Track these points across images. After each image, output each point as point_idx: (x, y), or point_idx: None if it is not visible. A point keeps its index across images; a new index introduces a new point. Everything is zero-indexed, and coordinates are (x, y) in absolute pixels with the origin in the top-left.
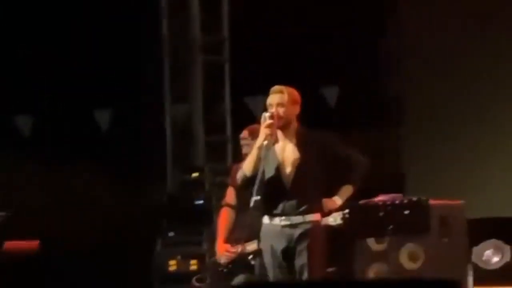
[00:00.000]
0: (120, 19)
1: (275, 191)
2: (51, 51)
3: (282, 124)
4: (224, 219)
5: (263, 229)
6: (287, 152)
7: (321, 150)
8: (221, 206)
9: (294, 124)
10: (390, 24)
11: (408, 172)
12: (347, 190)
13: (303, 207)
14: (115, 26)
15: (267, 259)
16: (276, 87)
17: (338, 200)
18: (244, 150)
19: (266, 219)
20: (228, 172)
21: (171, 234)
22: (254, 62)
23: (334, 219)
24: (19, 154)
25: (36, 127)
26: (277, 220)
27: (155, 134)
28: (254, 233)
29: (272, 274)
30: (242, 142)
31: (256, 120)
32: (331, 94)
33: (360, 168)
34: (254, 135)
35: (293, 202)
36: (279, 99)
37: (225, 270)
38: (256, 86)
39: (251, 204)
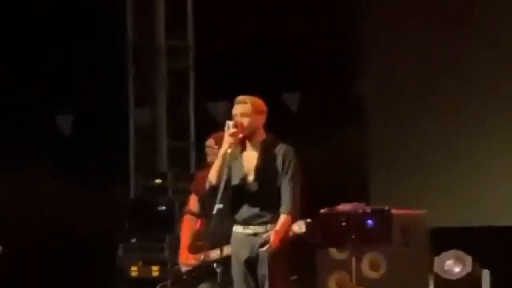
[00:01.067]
0: (85, 24)
1: (239, 200)
2: (13, 55)
3: (246, 134)
4: (187, 227)
5: (232, 237)
6: (251, 161)
7: (282, 164)
8: (184, 214)
9: (260, 133)
10: (352, 29)
11: (371, 180)
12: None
13: (266, 217)
14: (80, 30)
15: (233, 267)
16: (240, 98)
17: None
18: (209, 158)
19: (234, 227)
20: (191, 179)
21: (133, 239)
22: (217, 69)
23: (299, 227)
24: None
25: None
26: (241, 229)
27: (118, 140)
28: (217, 241)
29: (236, 283)
30: (207, 150)
31: (218, 126)
32: (292, 100)
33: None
34: (219, 143)
35: (255, 211)
36: (242, 109)
37: (188, 278)
38: (219, 92)
39: (214, 211)
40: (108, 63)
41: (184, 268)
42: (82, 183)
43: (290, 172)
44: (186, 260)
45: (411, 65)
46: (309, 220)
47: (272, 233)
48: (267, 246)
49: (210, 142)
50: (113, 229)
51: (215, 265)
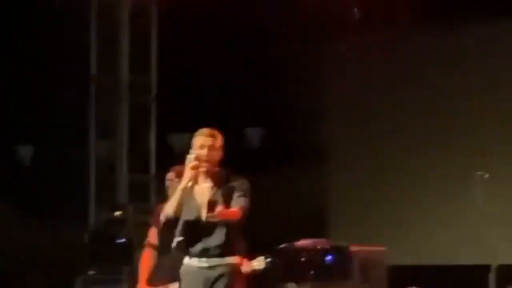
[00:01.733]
0: (49, 54)
1: (194, 232)
2: None
3: (209, 168)
4: (146, 260)
5: (182, 269)
6: (204, 194)
7: (235, 193)
8: (143, 246)
9: (216, 167)
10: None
11: (330, 217)
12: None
13: (219, 250)
14: (42, 60)
15: None
16: (207, 130)
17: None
18: (170, 192)
19: (186, 259)
20: (151, 211)
21: (91, 272)
22: (179, 102)
23: (259, 263)
24: None
25: None
26: (195, 261)
27: (78, 171)
28: (176, 275)
29: None
30: (168, 183)
31: (178, 158)
32: (254, 134)
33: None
34: (180, 176)
35: (210, 244)
36: (210, 142)
37: None
38: (180, 125)
39: (173, 245)
40: (70, 95)
41: None
42: (40, 214)
43: (240, 192)
44: None
45: (373, 101)
46: (269, 258)
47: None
48: (204, 212)
49: (171, 175)
50: (71, 261)
51: None
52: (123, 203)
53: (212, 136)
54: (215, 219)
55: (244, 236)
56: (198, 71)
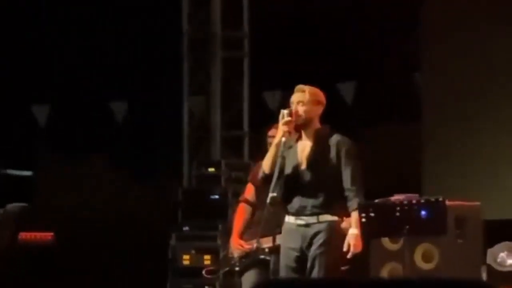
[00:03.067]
0: (142, 13)
1: (292, 190)
2: (68, 40)
3: (301, 123)
4: (241, 214)
5: (283, 226)
6: (305, 151)
7: (336, 154)
8: (239, 202)
9: (316, 124)
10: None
11: (424, 172)
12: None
13: (318, 208)
14: (137, 18)
15: (282, 256)
16: (299, 86)
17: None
18: (269, 148)
19: (286, 217)
20: (244, 168)
21: (185, 228)
22: (272, 58)
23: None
24: (35, 144)
25: (50, 116)
26: (293, 219)
27: (172, 127)
28: (270, 230)
29: (284, 272)
30: (270, 140)
31: (272, 115)
32: (348, 90)
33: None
34: None
35: (308, 202)
36: (300, 97)
37: (237, 265)
38: (273, 82)
39: (268, 200)
40: (162, 52)
41: (235, 254)
42: (135, 172)
43: (349, 162)
44: (238, 246)
45: (469, 60)
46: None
47: (352, 237)
48: (351, 252)
49: (272, 132)
50: (166, 219)
51: (266, 253)
52: (217, 159)
53: (302, 91)
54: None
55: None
56: (291, 25)
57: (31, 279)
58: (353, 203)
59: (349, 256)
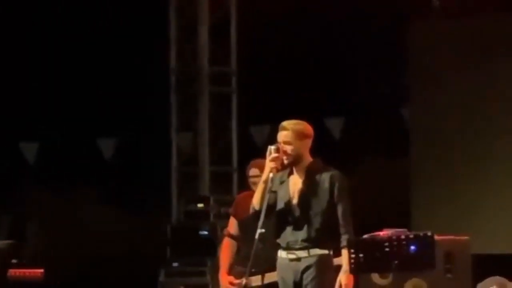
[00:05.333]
0: (129, 49)
1: (283, 224)
2: (55, 78)
3: (291, 161)
4: (226, 250)
5: (277, 262)
6: (297, 186)
7: (329, 188)
8: (223, 236)
9: (307, 158)
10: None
11: (412, 207)
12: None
13: (309, 242)
14: (124, 55)
15: None
16: (282, 124)
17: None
18: (254, 188)
19: (278, 252)
20: (233, 203)
21: (175, 264)
22: (260, 93)
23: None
24: (24, 181)
25: (40, 154)
26: (284, 254)
27: (160, 164)
28: (258, 266)
29: None
30: (252, 179)
31: (260, 150)
32: (335, 125)
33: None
34: (263, 169)
35: (298, 236)
36: (284, 137)
37: None
38: (261, 116)
39: (256, 236)
40: (150, 88)
41: None
42: (123, 208)
43: (341, 198)
44: (227, 284)
45: (453, 92)
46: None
47: (343, 276)
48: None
49: (253, 171)
50: (154, 254)
51: None
52: (205, 195)
53: (285, 129)
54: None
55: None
56: (278, 60)
57: None
58: (343, 241)
59: None
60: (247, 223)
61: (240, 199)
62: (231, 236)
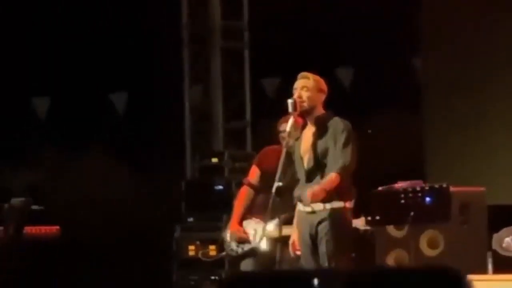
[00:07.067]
0: (141, 3)
1: (299, 177)
2: (68, 31)
3: (305, 109)
4: (242, 198)
5: (296, 214)
6: (308, 138)
7: (334, 135)
8: (242, 184)
9: (319, 111)
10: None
11: (428, 158)
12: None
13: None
14: (136, 10)
15: (299, 243)
16: (303, 73)
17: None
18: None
19: (298, 205)
20: (247, 158)
21: (190, 219)
22: (271, 46)
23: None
24: (35, 137)
25: (52, 109)
26: (302, 207)
27: (174, 119)
28: (273, 218)
29: (303, 258)
30: (282, 134)
31: (272, 103)
32: (346, 76)
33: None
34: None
35: (313, 188)
36: (304, 83)
37: (234, 250)
38: (272, 70)
39: (273, 189)
40: (163, 43)
41: (231, 239)
42: (137, 165)
43: (341, 140)
44: (237, 232)
45: (471, 42)
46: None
47: (316, 187)
48: (306, 199)
49: (284, 126)
50: (170, 210)
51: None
52: (219, 150)
53: (307, 77)
54: (319, 199)
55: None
56: (289, 14)
57: (36, 273)
58: (333, 170)
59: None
60: (271, 175)
61: (266, 150)
62: (250, 185)
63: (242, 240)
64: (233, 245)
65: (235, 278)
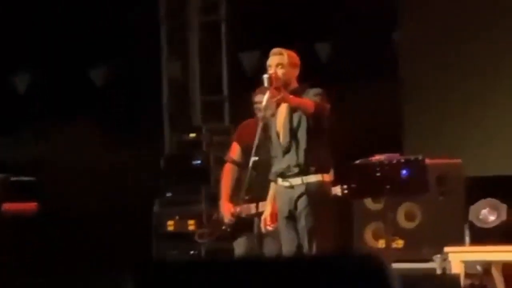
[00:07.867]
0: None
1: (276, 152)
2: (45, 8)
3: (281, 85)
4: (227, 175)
5: (275, 189)
6: (283, 111)
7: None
8: (225, 162)
9: (293, 85)
10: None
11: (406, 131)
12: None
13: (300, 167)
14: None
15: (278, 218)
16: (276, 49)
17: None
18: (259, 114)
19: (277, 180)
20: (225, 132)
21: (168, 194)
22: (249, 20)
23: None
24: (14, 112)
25: (32, 84)
26: (280, 181)
27: (151, 94)
28: (253, 194)
29: (281, 233)
30: (257, 105)
31: (250, 77)
32: (323, 49)
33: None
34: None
35: (290, 161)
36: (278, 60)
37: (228, 229)
38: (251, 43)
39: (250, 164)
40: (141, 18)
41: (225, 218)
42: (114, 139)
43: (315, 92)
44: (229, 211)
45: (450, 14)
46: (345, 186)
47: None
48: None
49: (259, 98)
50: (148, 186)
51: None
52: (197, 124)
53: (280, 54)
54: (289, 102)
55: (326, 151)
56: None
57: (16, 249)
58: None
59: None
60: (252, 149)
61: (244, 124)
62: (233, 162)
63: (235, 219)
64: (227, 224)
65: (151, 264)
